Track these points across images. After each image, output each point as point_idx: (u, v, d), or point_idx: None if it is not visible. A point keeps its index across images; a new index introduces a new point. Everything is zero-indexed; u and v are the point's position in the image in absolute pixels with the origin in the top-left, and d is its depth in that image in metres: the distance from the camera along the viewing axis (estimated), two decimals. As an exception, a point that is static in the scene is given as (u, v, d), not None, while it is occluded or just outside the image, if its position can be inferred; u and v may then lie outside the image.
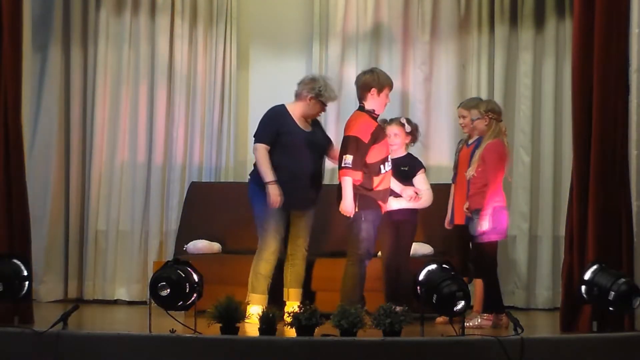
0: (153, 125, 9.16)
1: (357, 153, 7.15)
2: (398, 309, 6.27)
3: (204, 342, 6.02)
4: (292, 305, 7.02)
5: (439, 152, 9.01)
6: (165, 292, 6.34)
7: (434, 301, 6.34)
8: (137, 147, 9.13)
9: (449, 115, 8.95)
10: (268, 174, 7.38)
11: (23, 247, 6.90)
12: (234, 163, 9.20)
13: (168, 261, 6.63)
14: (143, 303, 8.48)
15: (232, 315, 6.22)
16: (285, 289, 7.60)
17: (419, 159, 7.89)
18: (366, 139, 7.21)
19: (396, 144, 7.63)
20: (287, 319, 6.26)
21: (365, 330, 6.20)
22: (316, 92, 7.52)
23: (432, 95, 9.15)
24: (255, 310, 6.85)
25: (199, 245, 8.31)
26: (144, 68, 9.15)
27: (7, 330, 6.26)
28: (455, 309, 6.32)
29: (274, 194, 7.36)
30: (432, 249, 8.16)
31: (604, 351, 6.22)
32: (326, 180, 8.91)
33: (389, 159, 7.40)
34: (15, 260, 6.64)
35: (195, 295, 6.44)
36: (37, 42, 8.90)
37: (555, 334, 6.82)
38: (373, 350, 5.96)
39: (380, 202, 7.30)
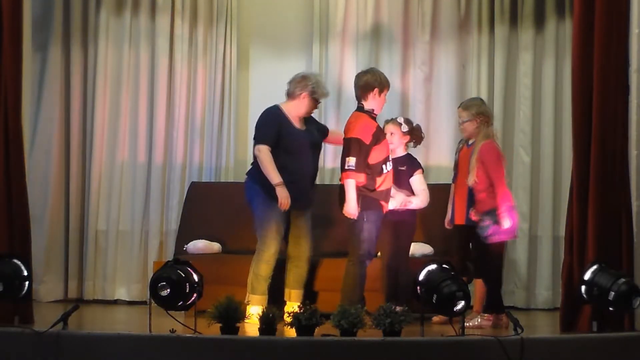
0: (153, 125, 9.16)
1: (360, 155, 7.16)
2: (398, 309, 6.28)
3: (204, 342, 6.02)
4: (292, 305, 7.02)
5: (439, 152, 9.01)
6: (165, 292, 6.34)
7: (434, 301, 6.34)
8: (137, 147, 9.13)
9: (449, 115, 8.94)
10: (276, 176, 7.35)
11: (23, 247, 6.90)
12: (234, 163, 9.20)
13: (168, 261, 6.63)
14: (143, 303, 8.48)
15: (232, 315, 6.22)
16: (286, 290, 7.59)
17: (419, 158, 7.89)
18: (368, 140, 7.21)
19: (393, 143, 7.63)
20: (287, 318, 6.26)
21: (365, 330, 6.20)
22: (309, 89, 7.51)
23: (432, 95, 9.15)
24: (255, 310, 6.85)
25: (199, 245, 8.31)
26: (144, 68, 9.15)
27: (7, 330, 6.27)
28: (455, 309, 6.32)
29: (284, 196, 7.34)
30: (432, 249, 8.17)
31: (604, 351, 6.23)
32: (326, 180, 8.93)
33: (390, 159, 7.40)
34: (15, 260, 6.64)
35: (195, 295, 6.44)
36: (37, 42, 8.89)
37: (555, 334, 6.82)
38: (373, 350, 5.97)
39: (382, 202, 7.30)
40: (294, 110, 7.53)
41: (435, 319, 7.35)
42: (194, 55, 9.22)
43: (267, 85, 9.26)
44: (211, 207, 8.67)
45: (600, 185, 6.68)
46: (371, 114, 7.36)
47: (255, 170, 7.51)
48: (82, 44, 9.15)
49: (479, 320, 7.22)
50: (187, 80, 9.20)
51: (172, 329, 6.11)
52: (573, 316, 6.73)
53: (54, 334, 6.09)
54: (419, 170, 7.70)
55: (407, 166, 7.65)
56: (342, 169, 7.23)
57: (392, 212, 7.49)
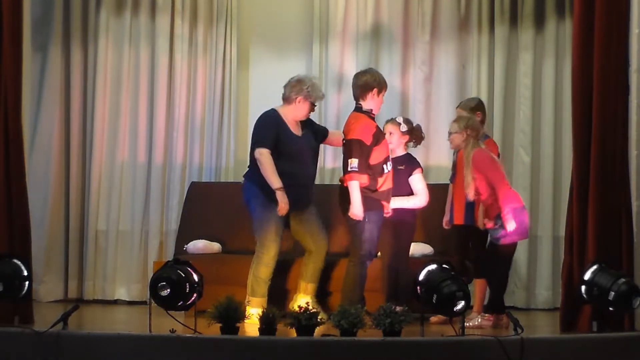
0: (153, 125, 9.16)
1: (362, 156, 7.16)
2: (398, 309, 6.28)
3: (204, 342, 6.02)
4: (305, 298, 7.15)
5: (438, 152, 9.00)
6: (165, 292, 6.34)
7: (434, 301, 6.34)
8: (137, 147, 9.13)
9: (449, 115, 8.91)
10: (276, 181, 7.33)
11: (23, 247, 6.90)
12: (234, 163, 9.20)
13: (168, 261, 6.63)
14: (143, 303, 8.48)
15: (232, 315, 6.22)
16: (302, 283, 7.54)
17: (419, 158, 7.89)
18: (368, 141, 7.21)
19: (392, 143, 7.63)
20: (294, 307, 6.26)
21: (365, 330, 6.20)
22: (304, 93, 7.49)
23: (432, 95, 9.15)
24: (255, 311, 6.85)
25: (199, 245, 8.31)
26: (144, 68, 9.15)
27: (7, 330, 6.27)
28: (455, 309, 6.32)
29: (284, 201, 7.32)
30: (432, 249, 8.17)
31: (604, 351, 6.23)
32: (326, 180, 8.93)
33: (390, 159, 7.41)
34: (15, 260, 6.64)
35: (195, 295, 6.44)
36: (37, 42, 8.89)
37: (555, 334, 6.82)
38: (373, 350, 5.97)
39: (383, 202, 7.31)
40: (291, 114, 7.52)
41: (434, 319, 7.36)
42: (194, 55, 9.22)
43: (267, 85, 9.25)
44: (211, 207, 8.67)
45: (600, 185, 6.68)
46: (370, 114, 7.36)
47: (253, 172, 7.49)
48: (82, 44, 9.15)
49: (479, 320, 7.22)
50: (187, 80, 9.20)
51: (172, 329, 6.11)
52: (573, 316, 6.73)
53: (54, 334, 6.10)
54: (418, 170, 7.69)
55: (405, 165, 7.65)
56: (345, 171, 7.22)
57: (392, 211, 7.49)
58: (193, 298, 6.43)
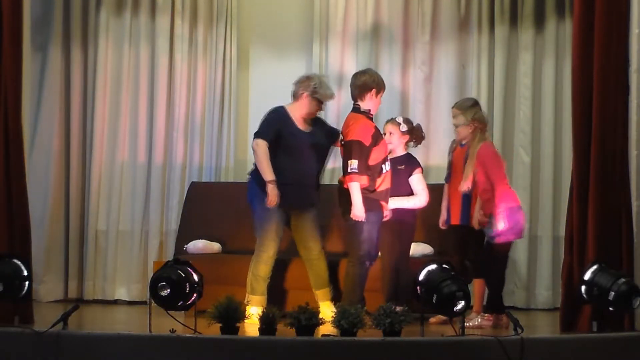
0: (153, 125, 9.16)
1: (361, 157, 7.16)
2: (398, 309, 6.28)
3: (204, 342, 6.02)
4: (325, 306, 7.16)
5: (439, 152, 8.99)
6: (165, 292, 6.34)
7: (434, 301, 6.34)
8: (137, 147, 9.13)
9: (449, 115, 8.88)
10: (268, 173, 7.35)
11: (23, 247, 6.90)
12: (234, 163, 9.20)
13: (168, 261, 6.63)
14: (143, 303, 8.48)
15: (232, 315, 6.22)
16: (314, 291, 7.54)
17: (419, 158, 7.89)
18: (368, 141, 7.22)
19: (392, 143, 7.63)
20: (327, 323, 6.23)
21: (365, 330, 6.20)
22: (311, 89, 7.50)
23: (432, 95, 9.15)
24: (254, 311, 6.85)
25: (199, 245, 8.31)
26: (144, 68, 9.15)
27: (7, 330, 6.26)
28: (455, 309, 6.32)
29: (274, 193, 7.33)
30: (432, 249, 8.17)
31: (604, 351, 6.23)
32: (326, 180, 8.92)
33: (388, 159, 7.41)
34: (15, 260, 6.64)
35: (195, 295, 6.44)
36: (37, 42, 8.89)
37: (555, 334, 6.82)
38: (373, 350, 5.97)
39: (382, 202, 7.31)
40: (298, 111, 7.53)
41: (433, 320, 7.35)
42: (194, 55, 9.22)
43: (267, 85, 9.27)
44: (211, 207, 8.67)
45: (600, 185, 6.68)
46: (368, 115, 7.37)
47: (256, 170, 7.50)
48: (82, 44, 9.15)
49: (479, 320, 7.22)
50: (187, 80, 9.20)
51: (172, 329, 6.11)
52: (573, 316, 6.73)
53: (54, 334, 6.09)
54: (418, 170, 7.69)
55: (405, 165, 7.65)
56: (345, 172, 7.22)
57: (391, 212, 7.49)
58: (193, 298, 6.43)
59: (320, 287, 7.54)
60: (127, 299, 8.99)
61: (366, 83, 7.36)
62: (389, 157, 7.56)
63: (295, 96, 7.56)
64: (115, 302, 9.01)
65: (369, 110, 7.38)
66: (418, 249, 8.04)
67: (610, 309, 6.46)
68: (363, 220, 7.16)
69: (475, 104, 7.68)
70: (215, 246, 8.41)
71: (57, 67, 9.07)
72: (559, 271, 7.36)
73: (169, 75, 9.18)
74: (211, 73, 9.22)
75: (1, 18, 6.87)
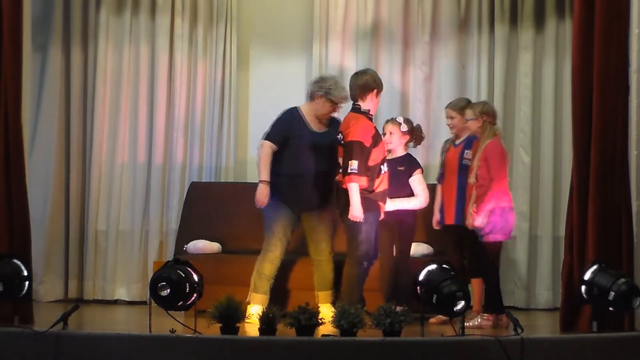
0: (153, 125, 9.15)
1: (362, 158, 7.16)
2: (398, 308, 6.28)
3: (204, 342, 6.02)
4: (324, 307, 7.15)
5: (439, 152, 8.99)
6: (165, 292, 6.34)
7: (434, 301, 6.34)
8: (137, 147, 9.12)
9: (448, 115, 8.95)
10: (263, 173, 7.44)
11: (23, 247, 6.90)
12: (234, 163, 9.20)
13: (168, 261, 6.63)
14: (143, 303, 8.48)
15: (232, 315, 6.22)
16: (315, 292, 7.57)
17: (419, 158, 7.89)
18: (368, 142, 7.22)
19: (392, 143, 7.64)
20: (327, 324, 6.23)
21: (365, 330, 6.20)
22: (325, 90, 7.52)
23: (432, 95, 9.15)
24: (255, 309, 6.86)
25: (199, 245, 8.31)
26: (144, 68, 9.15)
27: (7, 330, 6.27)
28: (455, 309, 6.32)
29: (261, 193, 7.43)
30: (432, 249, 8.16)
31: (604, 351, 6.23)
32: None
33: (386, 160, 7.41)
34: (15, 260, 6.64)
35: (195, 295, 6.44)
36: (37, 42, 8.88)
37: (555, 334, 6.82)
38: (373, 350, 5.97)
39: (380, 203, 7.31)
40: (312, 112, 7.57)
41: (433, 320, 7.35)
42: (194, 55, 9.22)
43: (267, 85, 9.27)
44: (211, 207, 8.66)
45: (600, 185, 6.68)
46: (368, 115, 7.36)
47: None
48: (82, 44, 9.14)
49: (479, 320, 7.22)
50: (187, 80, 9.20)
51: (172, 329, 6.11)
52: (573, 316, 6.73)
53: (54, 334, 6.09)
54: (418, 170, 7.70)
55: (405, 166, 7.65)
56: (345, 173, 7.21)
57: (391, 213, 7.50)
58: (193, 298, 6.43)
59: (323, 289, 7.55)
60: (127, 299, 8.99)
61: (367, 83, 7.36)
62: (389, 157, 7.56)
63: (310, 97, 7.59)
64: (115, 302, 9.01)
65: (369, 110, 7.38)
66: (418, 249, 8.04)
67: (610, 309, 6.46)
68: (362, 220, 7.16)
69: (468, 103, 7.67)
70: (215, 246, 8.41)
71: (57, 67, 9.07)
72: (559, 271, 7.36)
73: (169, 75, 9.18)
74: (211, 73, 9.22)
75: (1, 18, 6.87)
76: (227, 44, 9.22)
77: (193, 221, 8.64)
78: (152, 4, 9.16)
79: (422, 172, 7.76)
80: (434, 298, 6.33)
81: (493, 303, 7.25)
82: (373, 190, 7.26)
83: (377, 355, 5.95)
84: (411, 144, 7.80)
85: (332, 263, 7.57)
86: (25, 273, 6.63)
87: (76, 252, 9.11)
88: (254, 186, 8.19)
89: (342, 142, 7.30)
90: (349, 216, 7.15)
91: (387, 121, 7.77)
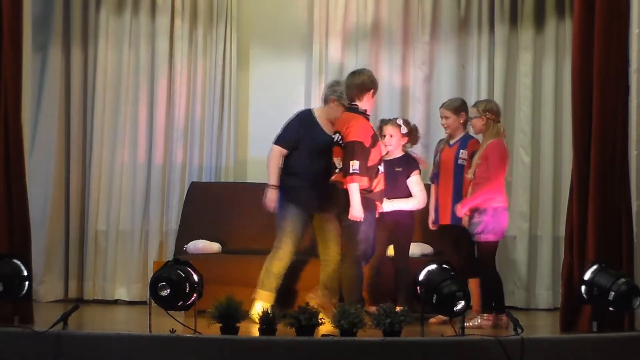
0: (153, 125, 9.16)
1: (363, 158, 7.16)
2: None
3: (204, 342, 6.02)
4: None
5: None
6: (165, 292, 6.33)
7: (434, 301, 6.34)
8: (137, 147, 9.13)
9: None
10: (272, 178, 7.46)
11: (23, 247, 6.89)
12: (234, 163, 9.20)
13: (168, 261, 6.63)
14: (143, 303, 8.48)
15: (232, 315, 6.22)
16: (318, 286, 7.56)
17: (420, 158, 7.90)
18: (368, 142, 7.21)
19: (391, 145, 7.65)
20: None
21: (365, 330, 6.20)
22: (338, 94, 7.53)
23: (432, 95, 9.15)
24: (259, 307, 6.87)
25: (199, 245, 8.31)
26: (144, 68, 9.15)
27: (7, 330, 6.26)
28: (455, 309, 6.32)
29: (269, 198, 7.45)
30: (432, 248, 8.17)
31: (604, 351, 6.23)
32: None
33: (382, 160, 7.41)
34: (15, 260, 6.64)
35: (195, 295, 6.44)
36: (37, 42, 8.87)
37: (555, 334, 6.82)
38: (373, 350, 5.96)
39: (377, 203, 7.32)
40: (325, 115, 7.58)
41: (433, 320, 7.35)
42: (194, 55, 9.22)
43: (267, 85, 9.28)
44: (211, 207, 8.67)
45: (600, 185, 6.68)
46: (365, 115, 7.36)
47: (282, 171, 7.55)
48: (82, 44, 9.15)
49: (479, 320, 7.22)
50: (187, 80, 9.20)
51: (172, 329, 6.11)
52: (573, 316, 6.73)
53: (54, 334, 6.09)
54: (416, 172, 7.70)
55: (403, 167, 7.66)
56: (346, 173, 7.20)
57: (389, 213, 7.51)
58: (193, 298, 6.43)
59: (323, 286, 7.55)
60: (127, 299, 8.99)
61: (365, 83, 7.35)
62: (386, 158, 7.56)
63: (325, 100, 7.61)
64: (115, 302, 9.01)
65: (366, 110, 7.37)
66: (418, 249, 8.05)
67: (610, 309, 6.46)
68: (362, 220, 7.16)
69: (462, 104, 7.68)
70: (215, 246, 8.41)
71: (57, 67, 9.07)
72: (559, 271, 7.36)
73: (169, 76, 9.18)
74: (211, 73, 9.22)
75: (1, 18, 6.87)
76: (227, 44, 9.22)
77: (193, 221, 8.64)
78: (152, 4, 9.17)
79: (420, 173, 7.76)
80: (434, 298, 6.33)
81: (487, 302, 7.25)
82: (372, 190, 7.26)
83: (377, 355, 5.95)
84: (408, 144, 7.81)
85: (338, 269, 7.56)
86: (25, 273, 6.63)
87: (76, 252, 9.11)
88: (254, 186, 8.23)
89: (341, 142, 7.29)
90: (350, 216, 7.15)
91: (386, 122, 7.76)
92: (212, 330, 6.22)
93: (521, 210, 8.97)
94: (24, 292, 6.63)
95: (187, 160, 9.17)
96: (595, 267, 6.52)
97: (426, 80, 9.16)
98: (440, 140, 7.84)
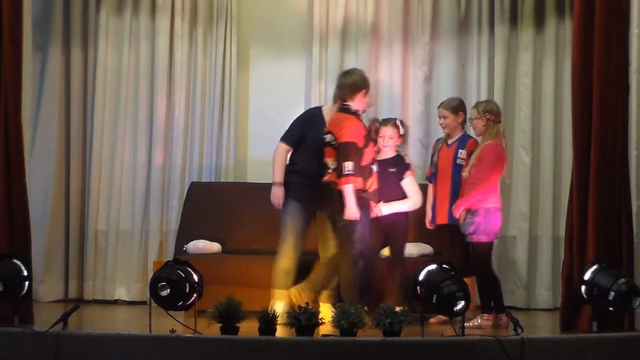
0: (153, 125, 9.16)
1: (356, 159, 7.15)
2: (397, 308, 6.27)
3: (204, 342, 6.02)
4: (326, 307, 7.20)
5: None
6: (165, 292, 6.33)
7: (434, 301, 6.34)
8: (137, 147, 9.13)
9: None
10: (277, 174, 7.48)
11: (23, 247, 6.89)
12: (234, 163, 9.20)
13: (168, 261, 6.63)
14: (143, 303, 8.48)
15: (232, 315, 6.22)
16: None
17: (418, 159, 7.90)
18: (361, 143, 7.22)
19: (389, 146, 7.64)
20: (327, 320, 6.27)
21: (365, 330, 6.20)
22: None
23: (432, 95, 9.14)
24: (279, 307, 6.94)
25: (199, 245, 8.31)
26: (144, 68, 9.15)
27: (7, 330, 6.26)
28: (455, 309, 6.32)
29: (274, 195, 7.44)
30: (431, 249, 8.17)
31: (604, 351, 6.22)
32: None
33: (375, 160, 7.40)
34: (15, 260, 6.63)
35: (195, 295, 6.44)
36: (37, 42, 8.87)
37: (555, 334, 6.82)
38: (373, 350, 5.96)
39: (371, 202, 7.33)
40: (333, 113, 7.55)
41: (433, 320, 7.35)
42: (194, 55, 9.22)
43: (267, 85, 9.28)
44: (211, 207, 8.66)
45: (600, 185, 6.68)
46: (358, 115, 7.34)
47: (287, 169, 7.54)
48: (82, 44, 9.15)
49: (479, 320, 7.22)
50: (187, 80, 9.20)
51: (172, 329, 6.11)
52: (573, 316, 6.73)
53: (54, 334, 6.09)
54: (409, 172, 7.70)
55: (397, 168, 7.66)
56: (340, 174, 7.19)
57: (384, 215, 7.50)
58: (193, 298, 6.43)
59: (307, 281, 7.54)
60: (127, 299, 8.99)
61: (356, 83, 7.34)
62: (379, 158, 7.56)
63: (334, 99, 7.58)
64: (115, 302, 9.01)
65: (358, 110, 7.36)
66: (418, 249, 8.05)
67: (610, 309, 6.46)
68: (358, 219, 7.16)
69: (460, 104, 7.68)
70: (215, 246, 8.40)
71: (57, 67, 9.07)
72: (559, 271, 7.36)
73: (169, 76, 9.18)
74: (211, 73, 9.22)
75: (1, 18, 6.87)
76: (227, 44, 9.22)
77: (193, 221, 8.64)
78: (152, 4, 9.17)
79: (413, 174, 7.75)
80: (434, 298, 6.33)
81: (484, 303, 7.25)
82: (366, 190, 7.26)
83: (377, 355, 5.95)
84: (400, 145, 7.81)
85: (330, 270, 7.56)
86: (25, 273, 6.63)
87: (76, 252, 9.11)
88: (254, 186, 8.23)
89: (334, 143, 7.26)
90: (345, 217, 7.14)
91: (386, 123, 7.71)
92: (212, 330, 6.22)
93: (521, 210, 8.97)
94: (24, 292, 6.63)
95: (187, 160, 9.17)
96: (595, 267, 6.52)
97: (426, 80, 9.16)
98: (438, 140, 7.83)
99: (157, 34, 9.16)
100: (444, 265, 6.53)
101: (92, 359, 6.05)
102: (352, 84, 7.34)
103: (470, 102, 7.99)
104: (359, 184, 7.18)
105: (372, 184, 7.32)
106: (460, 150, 7.50)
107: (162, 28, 9.15)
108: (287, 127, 7.60)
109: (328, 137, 7.29)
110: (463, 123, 7.59)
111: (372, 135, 7.64)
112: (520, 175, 8.97)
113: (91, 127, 9.13)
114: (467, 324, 6.82)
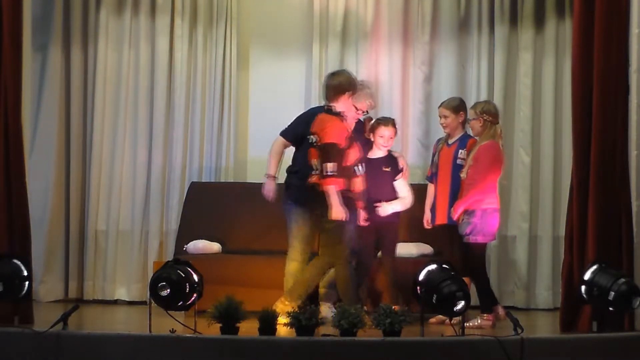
0: (153, 125, 9.16)
1: (338, 160, 7.14)
2: (396, 308, 6.28)
3: (204, 342, 6.02)
4: (325, 307, 7.25)
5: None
6: (165, 292, 6.34)
7: (434, 301, 6.34)
8: (137, 147, 9.13)
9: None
10: (271, 167, 7.54)
11: (23, 247, 6.89)
12: (234, 163, 9.20)
13: (168, 261, 6.63)
14: (143, 303, 8.47)
15: (232, 315, 6.22)
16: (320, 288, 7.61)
17: (418, 159, 7.90)
18: (344, 144, 7.20)
19: (387, 146, 7.65)
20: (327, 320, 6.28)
21: (365, 330, 6.20)
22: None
23: (432, 95, 9.15)
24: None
25: (199, 245, 8.31)
26: (144, 68, 9.15)
27: (7, 330, 6.27)
28: (455, 309, 6.32)
29: (267, 188, 7.50)
30: (431, 248, 8.16)
31: (604, 351, 6.23)
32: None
33: (362, 160, 7.37)
34: (15, 260, 6.64)
35: (195, 295, 6.44)
36: (37, 42, 8.88)
37: (555, 334, 6.83)
38: (373, 350, 5.97)
39: (358, 202, 7.32)
40: None
41: (433, 320, 7.35)
42: (194, 55, 9.22)
43: (267, 85, 9.27)
44: (211, 207, 8.66)
45: (600, 185, 6.68)
46: (341, 116, 7.32)
47: (294, 168, 7.52)
48: (82, 44, 9.14)
49: (479, 320, 7.22)
50: (187, 80, 9.20)
51: (172, 329, 6.11)
52: (573, 316, 6.73)
53: (54, 334, 6.10)
54: (402, 175, 7.70)
55: (391, 167, 7.67)
56: (322, 175, 7.18)
57: (376, 215, 7.50)
58: (193, 298, 6.43)
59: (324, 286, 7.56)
60: (127, 299, 8.99)
61: (341, 85, 7.30)
62: (371, 156, 7.56)
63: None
64: (115, 302, 9.01)
65: (342, 112, 7.33)
66: (417, 249, 8.05)
67: (610, 309, 6.46)
68: (345, 218, 7.15)
69: (461, 104, 7.68)
70: (215, 246, 8.40)
71: (57, 67, 9.07)
72: (559, 271, 7.36)
73: (169, 76, 9.18)
74: (211, 73, 9.22)
75: (1, 18, 6.87)
76: (227, 44, 9.22)
77: (193, 221, 8.64)
78: (152, 4, 9.17)
79: (405, 177, 7.75)
80: (434, 298, 6.33)
81: (484, 302, 7.26)
82: (352, 190, 7.26)
83: (377, 355, 5.96)
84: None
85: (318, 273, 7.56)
86: (25, 273, 6.63)
87: (76, 252, 9.11)
88: (254, 186, 8.21)
89: (316, 144, 7.24)
90: (331, 217, 7.11)
91: (385, 124, 7.69)
92: (212, 330, 6.22)
93: (521, 210, 8.97)
94: (24, 292, 6.63)
95: (187, 160, 9.17)
96: (595, 267, 6.53)
97: (426, 80, 9.16)
98: (439, 140, 7.84)
99: (157, 34, 9.16)
100: (444, 265, 6.54)
101: (92, 359, 6.05)
102: (337, 85, 7.31)
103: (470, 102, 7.98)
104: (341, 184, 7.17)
105: (359, 185, 7.31)
106: (460, 150, 7.51)
107: (162, 28, 9.15)
108: (289, 124, 7.62)
109: (312, 138, 7.27)
110: (464, 123, 7.60)
111: (367, 135, 7.65)
112: (520, 175, 8.97)
113: (91, 127, 9.13)
114: (467, 324, 6.82)
